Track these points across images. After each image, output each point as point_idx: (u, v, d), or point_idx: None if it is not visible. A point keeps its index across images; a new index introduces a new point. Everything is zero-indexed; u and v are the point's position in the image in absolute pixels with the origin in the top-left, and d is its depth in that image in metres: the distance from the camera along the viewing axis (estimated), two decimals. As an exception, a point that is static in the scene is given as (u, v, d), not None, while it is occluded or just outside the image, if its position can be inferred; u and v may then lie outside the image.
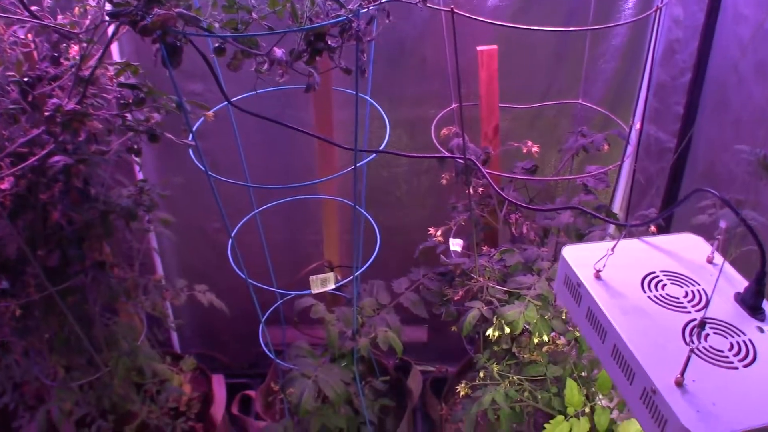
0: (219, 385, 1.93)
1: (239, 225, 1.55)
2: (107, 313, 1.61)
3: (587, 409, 1.76)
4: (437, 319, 1.84)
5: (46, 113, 1.17)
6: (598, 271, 1.02)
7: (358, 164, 1.28)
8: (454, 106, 1.78)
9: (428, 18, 1.80)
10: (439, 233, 1.72)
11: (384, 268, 1.83)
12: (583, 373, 1.81)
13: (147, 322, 1.74)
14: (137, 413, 1.79)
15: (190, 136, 1.39)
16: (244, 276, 1.43)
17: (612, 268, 1.02)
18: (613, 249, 1.03)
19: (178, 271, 2.12)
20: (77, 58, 1.29)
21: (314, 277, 1.46)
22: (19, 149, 1.29)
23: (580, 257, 1.05)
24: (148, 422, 1.80)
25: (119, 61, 1.28)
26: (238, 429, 2.16)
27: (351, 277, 1.54)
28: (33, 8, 1.27)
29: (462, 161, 1.57)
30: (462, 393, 1.77)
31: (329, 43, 1.19)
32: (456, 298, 1.73)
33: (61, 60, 1.34)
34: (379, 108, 1.55)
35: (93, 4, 1.28)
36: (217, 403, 1.88)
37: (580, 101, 1.88)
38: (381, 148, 1.40)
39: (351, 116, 1.89)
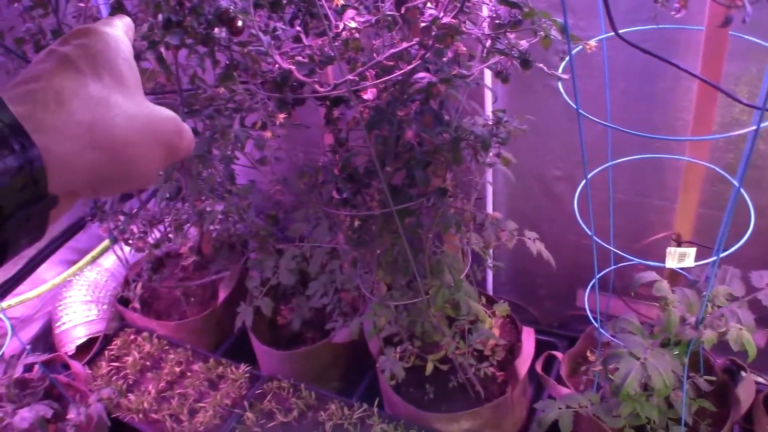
0: (528, 338, 1.84)
1: (592, 174, 1.40)
2: (436, 241, 1.59)
3: None
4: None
5: (422, 24, 1.12)
6: None
7: (761, 125, 1.04)
8: None
9: None
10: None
11: (740, 255, 1.56)
12: None
13: (471, 259, 1.69)
14: (442, 346, 1.78)
15: (560, 68, 1.27)
16: (590, 232, 1.28)
17: None
18: None
19: (505, 212, 2.04)
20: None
21: (672, 249, 1.26)
22: (386, 62, 1.27)
23: None
24: (450, 357, 1.78)
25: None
26: (534, 386, 2.07)
27: (708, 261, 1.32)
28: None
29: None
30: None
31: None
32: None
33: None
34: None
35: None
36: (524, 356, 1.79)
37: None
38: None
39: (740, 71, 1.61)
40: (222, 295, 2.28)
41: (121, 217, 2.13)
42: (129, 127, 0.45)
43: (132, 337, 2.33)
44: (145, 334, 2.32)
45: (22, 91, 0.43)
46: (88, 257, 2.55)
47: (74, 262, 2.54)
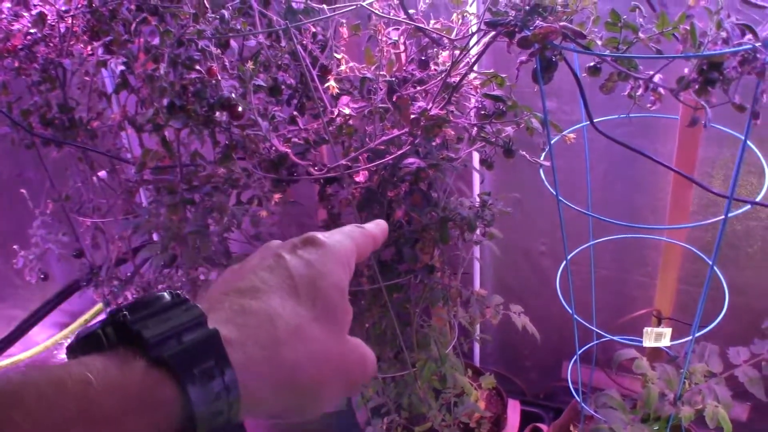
0: (514, 411, 1.87)
1: (572, 254, 1.46)
2: (423, 315, 1.63)
3: None
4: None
5: (412, 116, 1.19)
6: None
7: (729, 215, 1.11)
8: None
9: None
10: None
11: (719, 331, 1.61)
12: None
13: (458, 332, 1.73)
14: (428, 418, 1.80)
15: (542, 155, 1.34)
16: (571, 311, 1.33)
17: None
18: None
19: (492, 286, 2.10)
20: (447, 63, 1.30)
21: (649, 329, 1.31)
22: (378, 146, 1.33)
23: None
24: (437, 429, 1.80)
25: (485, 71, 1.25)
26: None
27: (687, 339, 1.37)
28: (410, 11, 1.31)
29: None
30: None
31: (726, 74, 1.04)
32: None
33: (431, 65, 1.36)
34: (759, 154, 1.34)
35: (472, 12, 1.27)
36: (509, 429, 1.82)
37: None
38: (758, 199, 1.20)
39: (715, 155, 1.69)
40: (212, 361, 2.30)
41: (116, 282, 2.16)
42: (324, 367, 0.44)
43: (121, 401, 2.34)
44: (135, 398, 2.32)
45: (237, 305, 0.42)
46: (81, 320, 2.57)
47: (66, 325, 2.56)
